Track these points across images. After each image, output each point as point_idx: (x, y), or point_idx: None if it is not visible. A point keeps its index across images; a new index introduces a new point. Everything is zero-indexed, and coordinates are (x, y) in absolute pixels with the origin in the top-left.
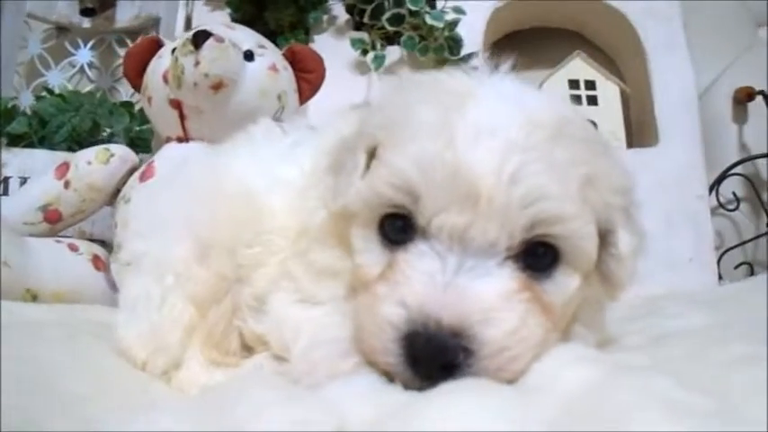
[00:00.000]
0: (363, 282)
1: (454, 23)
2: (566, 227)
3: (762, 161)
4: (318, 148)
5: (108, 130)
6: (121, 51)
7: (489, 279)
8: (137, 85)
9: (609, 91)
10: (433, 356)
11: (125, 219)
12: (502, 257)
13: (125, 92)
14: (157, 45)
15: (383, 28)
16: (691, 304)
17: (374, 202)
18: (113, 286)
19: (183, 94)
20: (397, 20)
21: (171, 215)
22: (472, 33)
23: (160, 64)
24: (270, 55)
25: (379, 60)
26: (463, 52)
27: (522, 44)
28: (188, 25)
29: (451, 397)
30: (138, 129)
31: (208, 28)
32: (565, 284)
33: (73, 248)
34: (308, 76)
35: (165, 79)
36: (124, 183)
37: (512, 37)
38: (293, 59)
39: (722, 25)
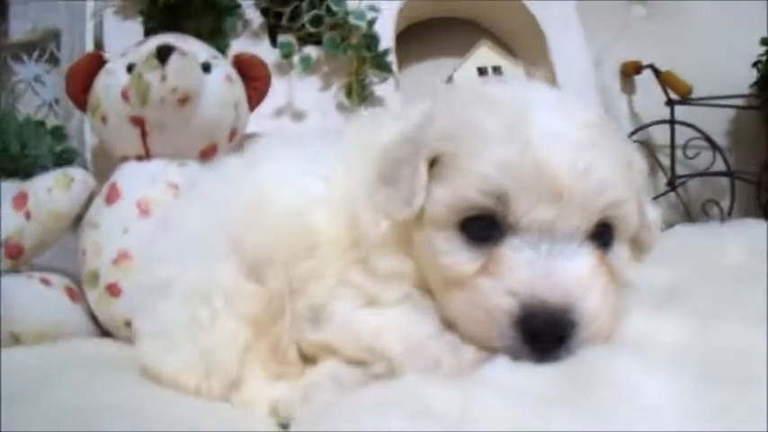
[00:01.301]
0: (453, 279)
1: (372, 21)
2: (624, 209)
3: (653, 127)
4: (338, 158)
5: (32, 153)
6: (17, 67)
7: (577, 259)
8: (81, 104)
9: (515, 74)
10: (550, 333)
11: (97, 244)
12: (581, 240)
13: (24, 111)
14: (100, 61)
15: (300, 29)
16: None
17: (459, 207)
18: (91, 317)
19: (148, 111)
20: (317, 21)
21: (206, 236)
22: (384, 29)
23: (114, 81)
24: (223, 65)
25: (305, 62)
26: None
27: (423, 36)
28: (97, 40)
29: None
30: (60, 149)
31: (168, 41)
32: (621, 255)
33: (45, 282)
34: (256, 84)
35: (126, 97)
36: (85, 207)
37: (411, 30)
38: (240, 68)
39: (598, 4)
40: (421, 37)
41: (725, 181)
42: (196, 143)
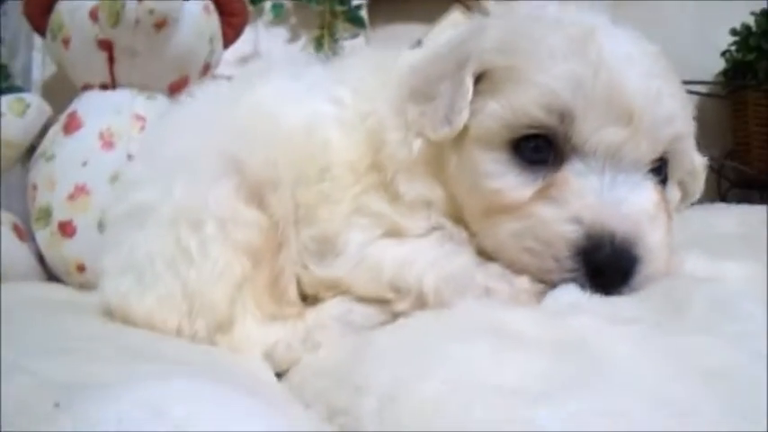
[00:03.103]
0: (502, 206)
1: None
2: (685, 143)
3: None
4: (346, 81)
5: None
6: None
7: (642, 191)
8: (40, 27)
9: None
10: (618, 267)
11: (50, 178)
12: (645, 171)
13: None
14: None
15: None
16: None
17: (515, 123)
18: (39, 257)
19: (119, 34)
20: None
21: (195, 157)
22: None
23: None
24: None
25: (277, 9)
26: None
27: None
28: None
29: None
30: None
31: None
32: (674, 194)
33: None
34: (233, 20)
35: (94, 17)
36: (40, 138)
37: None
38: (218, 2)
39: None
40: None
41: None
42: (167, 74)
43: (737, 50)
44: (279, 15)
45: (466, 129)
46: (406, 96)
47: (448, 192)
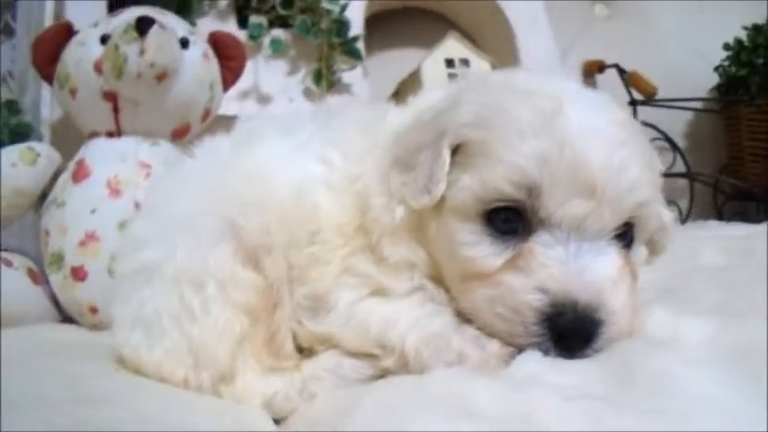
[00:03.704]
0: (475, 273)
1: (344, 7)
2: (649, 209)
3: None
4: (335, 141)
5: None
6: None
7: (605, 258)
8: (47, 75)
9: (481, 68)
10: (580, 331)
11: (61, 225)
12: (609, 238)
13: None
14: (69, 31)
15: (270, 11)
16: None
17: (487, 197)
18: (53, 300)
19: (122, 86)
20: (289, 3)
21: (197, 218)
22: (354, 16)
23: (86, 52)
24: (200, 42)
25: (275, 44)
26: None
27: (390, 25)
28: (58, 13)
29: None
30: (15, 123)
31: (148, 14)
32: (641, 254)
33: (7, 264)
34: (231, 64)
35: (98, 69)
36: (50, 185)
37: (378, 18)
38: (216, 47)
39: (561, 3)
40: (388, 26)
41: (684, 182)
42: (169, 122)
43: (730, 65)
44: (277, 50)
45: (444, 198)
46: (389, 164)
47: (430, 254)
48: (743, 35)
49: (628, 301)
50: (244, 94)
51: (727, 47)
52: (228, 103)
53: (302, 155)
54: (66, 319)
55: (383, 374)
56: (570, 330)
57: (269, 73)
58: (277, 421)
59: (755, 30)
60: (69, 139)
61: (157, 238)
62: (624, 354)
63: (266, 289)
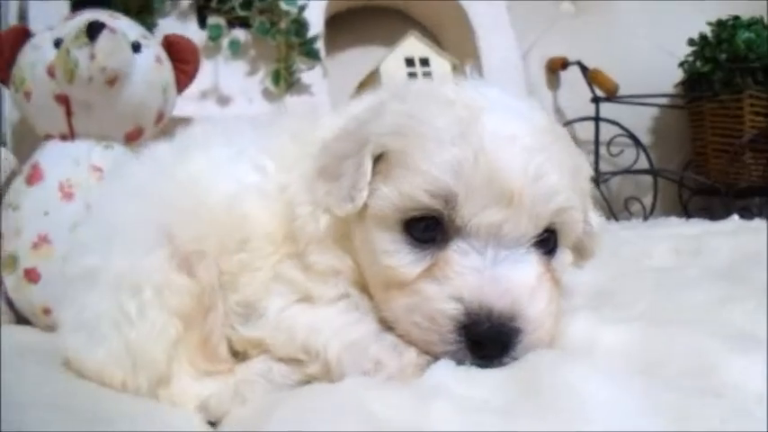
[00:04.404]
0: (395, 281)
1: (303, 7)
2: (570, 215)
3: (578, 124)
4: (271, 150)
5: None
6: None
7: (524, 266)
8: (4, 78)
9: (441, 67)
10: (496, 340)
11: (16, 227)
12: (528, 246)
13: None
14: (26, 34)
15: (230, 12)
16: None
17: (405, 207)
18: (8, 303)
19: (74, 89)
20: (247, 4)
21: (134, 225)
22: (313, 16)
23: (40, 56)
24: (153, 46)
25: (234, 46)
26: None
27: (350, 24)
28: (22, 13)
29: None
30: None
31: (98, 18)
32: (564, 261)
33: None
34: (185, 68)
35: (51, 73)
36: (5, 187)
37: (339, 17)
38: (170, 50)
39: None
40: (348, 25)
41: (648, 179)
42: (122, 125)
43: (695, 61)
44: (236, 51)
45: (366, 207)
46: (315, 173)
47: (356, 262)
48: (707, 31)
49: (547, 309)
50: (203, 94)
51: (691, 42)
52: (188, 104)
53: (238, 163)
54: (21, 320)
55: (310, 380)
56: (485, 339)
57: (228, 74)
58: (213, 424)
59: (719, 25)
60: (34, 139)
61: (97, 244)
62: (533, 364)
63: (200, 294)
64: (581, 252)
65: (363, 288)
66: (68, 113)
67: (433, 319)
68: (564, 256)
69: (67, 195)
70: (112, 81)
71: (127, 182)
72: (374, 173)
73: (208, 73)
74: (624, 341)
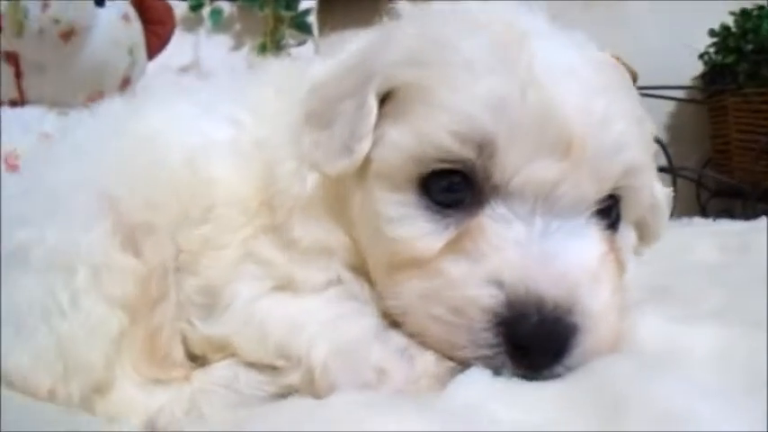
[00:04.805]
0: (407, 259)
1: None
2: (640, 178)
3: None
4: (250, 102)
5: None
6: None
7: (583, 241)
8: None
9: None
10: (547, 342)
11: None
12: (588, 214)
13: None
14: None
15: None
16: None
17: (423, 156)
18: None
19: (24, 45)
20: None
21: (73, 194)
22: None
23: None
24: (121, 2)
25: (216, 16)
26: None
27: (345, 5)
28: None
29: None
30: None
31: None
32: (629, 239)
33: None
34: (157, 29)
35: None
36: None
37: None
38: (140, 8)
39: None
40: (343, 5)
41: (665, 177)
42: (79, 89)
43: (716, 52)
44: (217, 22)
45: (369, 162)
46: (302, 119)
47: (352, 238)
48: (728, 21)
49: (612, 301)
50: (183, 69)
51: (713, 33)
52: (166, 78)
53: (208, 117)
54: None
55: (288, 393)
56: (533, 340)
57: (211, 48)
58: None
59: (744, 14)
60: None
61: (31, 216)
62: (605, 375)
63: (147, 278)
64: (643, 233)
65: (362, 272)
66: (17, 75)
67: (460, 311)
68: (628, 233)
69: (13, 167)
70: (67, 35)
71: (70, 142)
72: (380, 116)
73: (189, 47)
74: (716, 346)
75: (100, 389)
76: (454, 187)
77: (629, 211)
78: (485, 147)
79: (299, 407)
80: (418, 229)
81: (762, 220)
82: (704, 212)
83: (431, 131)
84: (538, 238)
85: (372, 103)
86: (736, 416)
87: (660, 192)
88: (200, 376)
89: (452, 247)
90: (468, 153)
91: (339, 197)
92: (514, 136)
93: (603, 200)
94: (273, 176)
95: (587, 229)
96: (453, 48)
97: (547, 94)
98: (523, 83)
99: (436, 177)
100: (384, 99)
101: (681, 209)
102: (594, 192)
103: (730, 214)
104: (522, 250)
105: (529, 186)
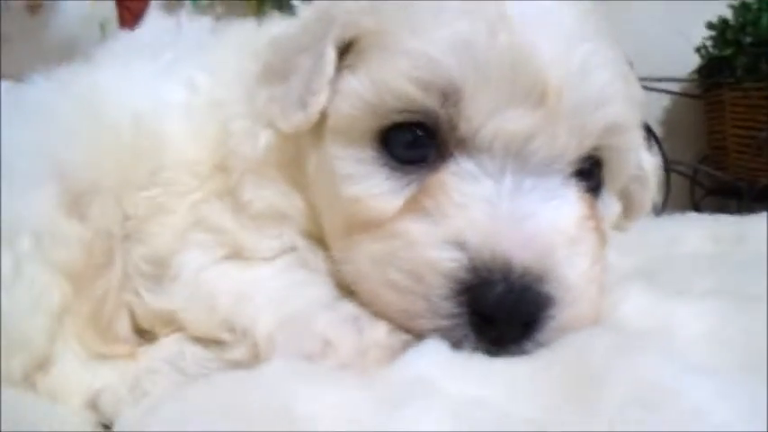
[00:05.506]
0: (363, 220)
1: None
2: (626, 138)
3: None
4: (210, 63)
5: None
6: None
7: (559, 202)
8: None
9: None
10: (515, 312)
11: None
12: (566, 173)
13: None
14: None
15: None
16: None
17: (382, 105)
18: None
19: None
20: None
21: (18, 155)
22: None
23: None
24: None
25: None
26: None
27: None
28: None
29: None
30: None
31: None
32: (612, 207)
33: None
34: (131, 4)
35: None
36: None
37: None
38: None
39: None
40: None
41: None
42: (47, 64)
43: (714, 45)
44: (198, 3)
45: (325, 117)
46: (258, 74)
47: (308, 202)
48: (726, 14)
49: (591, 271)
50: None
51: (710, 26)
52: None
53: (164, 77)
54: None
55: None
56: (499, 309)
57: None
58: (107, 426)
59: (743, 7)
60: None
61: None
62: (580, 352)
63: (91, 242)
64: (628, 205)
65: (317, 239)
66: None
67: (417, 277)
68: (611, 200)
69: None
70: (35, 8)
71: (20, 103)
72: (339, 69)
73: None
74: (710, 323)
75: (41, 365)
76: (416, 142)
77: (612, 177)
78: (449, 94)
79: (226, 380)
80: (376, 187)
81: (755, 216)
82: (698, 210)
83: (390, 78)
84: (507, 196)
85: (330, 54)
86: (733, 393)
87: (648, 161)
88: (148, 353)
89: (412, 205)
90: (430, 102)
91: (294, 158)
92: (482, 82)
93: (584, 159)
94: (227, 135)
95: (565, 190)
96: None
97: (519, 37)
98: (493, 24)
99: (396, 131)
100: (345, 50)
101: (674, 206)
102: (573, 148)
103: (724, 212)
104: (488, 209)
105: (498, 139)
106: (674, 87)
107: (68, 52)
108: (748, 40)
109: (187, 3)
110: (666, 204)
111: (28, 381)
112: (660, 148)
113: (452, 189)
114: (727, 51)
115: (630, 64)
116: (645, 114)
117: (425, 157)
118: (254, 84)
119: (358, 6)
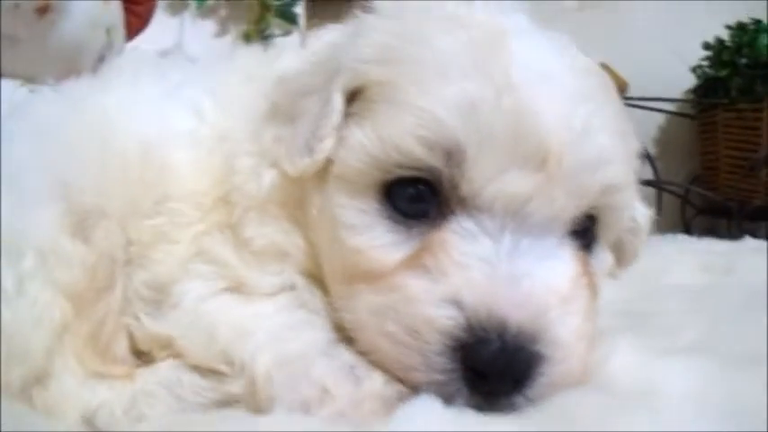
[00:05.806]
0: (364, 271)
1: None
2: (621, 197)
3: None
4: (216, 90)
5: None
6: None
7: (555, 262)
8: None
9: None
10: (508, 369)
11: None
12: (562, 233)
13: None
14: None
15: None
16: None
17: (387, 161)
18: None
19: None
20: None
21: (26, 171)
22: None
23: None
24: None
25: (201, 0)
26: None
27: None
28: None
29: None
30: None
31: None
32: (605, 262)
33: None
34: (138, 8)
35: None
36: None
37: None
38: None
39: None
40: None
41: (650, 191)
42: (53, 66)
43: (710, 66)
44: (201, 6)
45: (331, 163)
46: (265, 114)
47: (309, 242)
48: (723, 34)
49: (582, 329)
50: (164, 53)
51: (707, 46)
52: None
53: (170, 103)
54: None
55: (231, 401)
56: (493, 368)
57: (195, 34)
58: None
59: (740, 28)
60: None
61: None
62: (567, 410)
63: (94, 265)
64: (620, 255)
65: (317, 279)
66: None
67: (415, 331)
68: (604, 255)
69: None
70: (43, 10)
71: (29, 119)
72: (346, 116)
73: (172, 31)
74: (693, 384)
75: (40, 380)
76: (419, 197)
77: (606, 233)
78: (453, 154)
79: (228, 420)
80: (377, 239)
81: (743, 242)
82: (688, 230)
83: (396, 134)
84: (505, 256)
85: (338, 101)
86: None
87: (641, 213)
88: (145, 375)
89: (412, 261)
90: (434, 160)
91: (298, 198)
92: (486, 144)
93: (580, 219)
94: (231, 171)
95: (560, 250)
96: (426, 45)
97: (523, 101)
98: (499, 87)
99: (400, 185)
100: (352, 98)
101: (665, 225)
102: (570, 209)
103: (715, 233)
104: (486, 269)
105: (499, 200)
106: (669, 107)
107: (74, 55)
108: (744, 61)
109: (191, 4)
110: (658, 223)
111: (26, 394)
112: (653, 166)
113: (452, 247)
114: (723, 72)
115: (626, 84)
116: (640, 134)
117: (427, 212)
118: (261, 121)
119: (367, 55)
